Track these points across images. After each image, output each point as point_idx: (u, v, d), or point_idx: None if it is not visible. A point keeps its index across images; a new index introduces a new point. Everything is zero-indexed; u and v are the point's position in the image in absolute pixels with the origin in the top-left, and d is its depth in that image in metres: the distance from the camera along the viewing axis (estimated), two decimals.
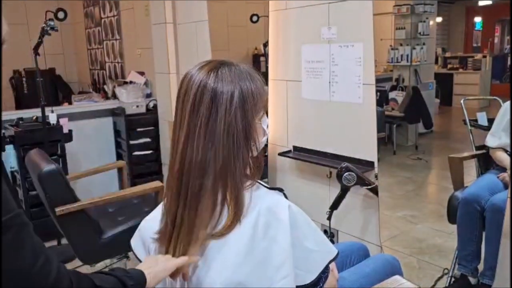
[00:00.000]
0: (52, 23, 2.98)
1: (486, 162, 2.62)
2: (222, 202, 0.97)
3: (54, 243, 3.13)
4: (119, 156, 4.12)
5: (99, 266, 2.65)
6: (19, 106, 5.01)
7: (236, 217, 0.96)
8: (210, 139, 0.96)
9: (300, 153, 2.62)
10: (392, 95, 5.63)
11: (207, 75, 0.98)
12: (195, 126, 0.96)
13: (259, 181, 1.05)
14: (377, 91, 2.27)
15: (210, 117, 0.96)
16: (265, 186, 1.06)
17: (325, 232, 2.34)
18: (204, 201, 0.96)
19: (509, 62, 9.67)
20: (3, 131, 3.41)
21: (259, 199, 1.00)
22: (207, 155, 0.96)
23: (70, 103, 4.38)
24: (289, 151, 2.69)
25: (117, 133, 4.09)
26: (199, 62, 1.05)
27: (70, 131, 3.52)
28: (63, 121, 3.45)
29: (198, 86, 0.98)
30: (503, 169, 2.36)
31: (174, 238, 1.01)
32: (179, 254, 0.99)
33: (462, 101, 2.93)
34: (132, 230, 1.19)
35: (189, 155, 0.97)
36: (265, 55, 3.97)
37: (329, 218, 2.21)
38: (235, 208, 0.96)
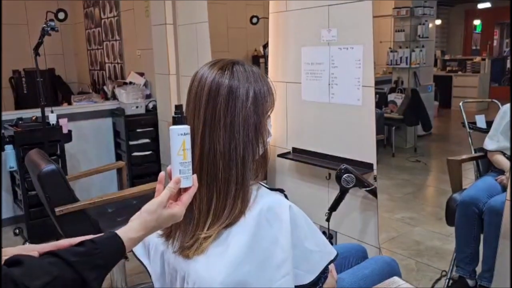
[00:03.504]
0: (52, 23, 2.98)
1: (484, 164, 2.63)
2: (236, 194, 0.99)
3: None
4: (118, 157, 4.12)
5: None
6: (18, 106, 5.01)
7: (242, 209, 0.98)
8: (231, 131, 0.98)
9: (299, 155, 2.63)
10: (391, 97, 5.63)
11: (221, 72, 1.00)
12: (213, 116, 0.98)
13: (260, 182, 1.07)
14: (376, 93, 2.27)
15: (228, 109, 0.98)
16: (266, 187, 1.07)
17: (324, 233, 2.35)
18: (231, 192, 0.98)
19: (508, 65, 9.69)
20: (2, 131, 3.41)
21: (261, 199, 1.01)
22: (230, 146, 0.98)
23: (69, 103, 4.39)
24: (288, 153, 2.69)
25: (116, 133, 4.09)
26: (206, 62, 1.06)
27: (70, 131, 3.53)
28: (63, 122, 3.46)
29: (212, 80, 0.99)
30: (502, 172, 2.37)
31: (184, 230, 1.02)
32: (197, 247, 0.99)
33: (461, 104, 2.94)
34: None
35: (208, 144, 0.99)
36: (265, 56, 3.98)
37: (328, 220, 2.22)
38: (242, 202, 0.99)
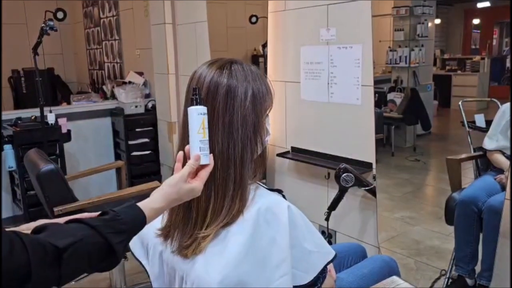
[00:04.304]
0: (51, 23, 2.98)
1: (484, 164, 2.63)
2: (235, 193, 0.99)
3: None
4: (117, 156, 4.12)
5: None
6: (17, 105, 5.01)
7: (240, 209, 0.98)
8: (229, 130, 0.98)
9: (298, 154, 2.63)
10: (390, 96, 5.63)
11: (219, 71, 1.00)
12: (211, 115, 0.97)
13: (258, 182, 1.07)
14: (375, 92, 2.27)
15: (227, 108, 0.98)
16: (265, 188, 1.07)
17: (323, 233, 2.35)
18: (229, 191, 0.98)
19: (507, 64, 9.70)
20: (1, 130, 3.41)
21: (259, 198, 1.01)
22: (229, 146, 0.98)
23: (68, 103, 4.38)
24: (288, 152, 2.69)
25: (115, 133, 4.09)
26: (205, 61, 1.06)
27: (69, 131, 3.53)
28: (62, 121, 3.46)
29: (211, 79, 0.99)
30: (501, 171, 2.37)
31: (182, 230, 1.02)
32: (195, 247, 0.99)
33: (460, 103, 2.93)
34: None
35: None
36: (264, 56, 3.97)
37: (327, 219, 2.22)
38: (240, 201, 0.99)
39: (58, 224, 0.79)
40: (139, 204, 0.87)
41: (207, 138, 0.94)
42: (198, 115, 0.93)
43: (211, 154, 0.95)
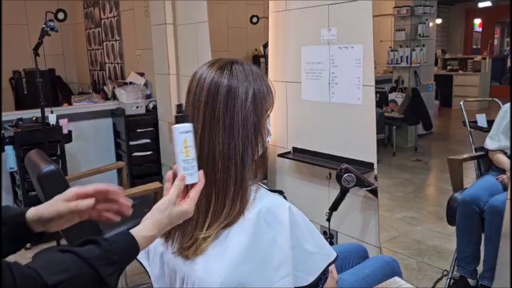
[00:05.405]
0: (52, 23, 2.98)
1: (485, 163, 2.63)
2: (235, 194, 0.99)
3: (53, 243, 3.13)
4: (118, 157, 4.12)
5: None
6: (18, 106, 5.00)
7: (241, 210, 0.98)
8: (230, 131, 0.97)
9: (299, 154, 2.62)
10: (391, 96, 5.63)
11: (220, 72, 0.99)
12: (212, 116, 0.97)
13: (259, 183, 1.06)
14: (376, 92, 2.27)
15: (227, 109, 0.97)
16: (266, 188, 1.06)
17: (325, 233, 2.34)
18: (230, 192, 0.98)
19: (508, 64, 9.69)
20: (2, 131, 3.41)
21: (260, 199, 1.01)
22: (230, 146, 0.97)
23: (69, 103, 4.39)
24: (289, 152, 2.69)
25: (116, 133, 4.09)
26: (205, 62, 1.05)
27: (70, 131, 3.53)
28: (63, 122, 3.45)
29: (211, 80, 0.99)
30: (503, 171, 2.37)
31: (183, 231, 1.01)
32: (196, 248, 0.98)
33: (461, 103, 2.93)
34: None
35: (207, 145, 0.98)
36: (265, 56, 3.97)
37: (328, 220, 2.21)
38: (241, 202, 0.98)
39: (51, 253, 0.78)
40: (132, 231, 0.85)
41: (191, 156, 0.90)
42: (179, 134, 0.90)
43: (200, 171, 0.91)
